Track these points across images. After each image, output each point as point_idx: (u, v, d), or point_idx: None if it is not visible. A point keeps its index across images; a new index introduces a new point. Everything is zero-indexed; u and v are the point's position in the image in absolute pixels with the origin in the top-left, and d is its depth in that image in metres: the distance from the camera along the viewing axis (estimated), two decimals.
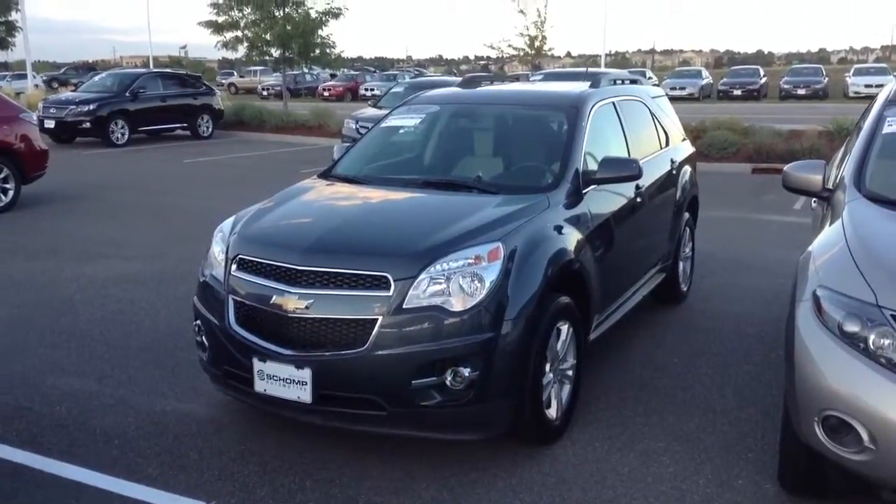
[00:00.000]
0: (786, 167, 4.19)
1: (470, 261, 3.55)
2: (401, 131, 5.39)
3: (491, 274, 3.54)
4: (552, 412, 3.87)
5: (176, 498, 3.40)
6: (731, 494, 3.44)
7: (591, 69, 7.01)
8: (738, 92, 36.46)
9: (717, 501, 3.38)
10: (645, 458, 3.77)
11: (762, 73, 39.89)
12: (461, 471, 3.63)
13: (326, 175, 4.95)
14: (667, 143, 6.01)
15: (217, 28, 22.88)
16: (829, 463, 2.98)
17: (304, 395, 3.47)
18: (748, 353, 5.15)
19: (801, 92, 35.53)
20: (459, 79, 6.87)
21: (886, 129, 4.03)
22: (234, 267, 3.84)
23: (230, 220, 4.25)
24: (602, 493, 3.46)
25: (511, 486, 3.51)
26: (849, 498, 3.32)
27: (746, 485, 3.52)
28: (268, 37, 22.51)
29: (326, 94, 41.70)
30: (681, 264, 6.16)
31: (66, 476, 3.59)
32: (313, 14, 22.54)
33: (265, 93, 43.27)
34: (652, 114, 5.88)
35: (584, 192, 4.38)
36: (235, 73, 56.62)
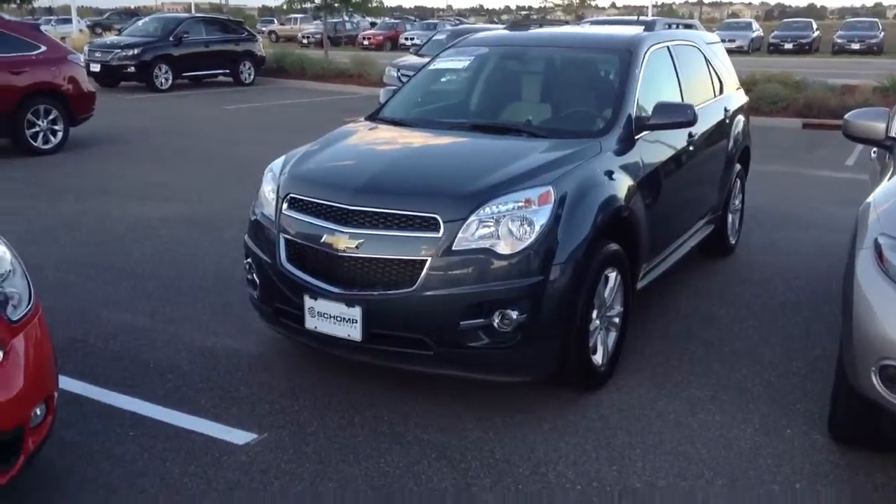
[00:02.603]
0: (847, 115, 4.07)
1: (520, 204, 3.53)
2: (448, 74, 5.32)
3: (541, 218, 3.51)
4: (598, 358, 3.87)
5: (229, 430, 3.48)
6: (779, 443, 3.42)
7: (642, 17, 6.80)
8: (789, 45, 35.30)
9: (766, 450, 3.37)
10: (691, 406, 3.76)
11: (815, 26, 38.56)
12: (507, 413, 3.66)
13: (373, 118, 4.92)
14: (721, 91, 5.86)
15: None
16: (885, 413, 2.94)
17: (355, 332, 3.51)
18: (797, 306, 5.08)
19: (856, 46, 34.27)
20: (502, 26, 6.79)
21: None
22: (285, 206, 3.86)
23: (280, 159, 4.26)
24: (647, 438, 3.46)
25: (556, 429, 3.53)
26: None
27: (795, 435, 3.49)
28: None
29: (366, 42, 41.31)
30: (730, 216, 6.06)
31: (122, 406, 3.70)
32: None
33: (305, 41, 43.06)
34: (707, 60, 5.72)
35: (636, 138, 4.31)
36: (276, 21, 56.40)
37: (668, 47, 5.07)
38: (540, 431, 3.52)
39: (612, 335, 4.03)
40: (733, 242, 6.24)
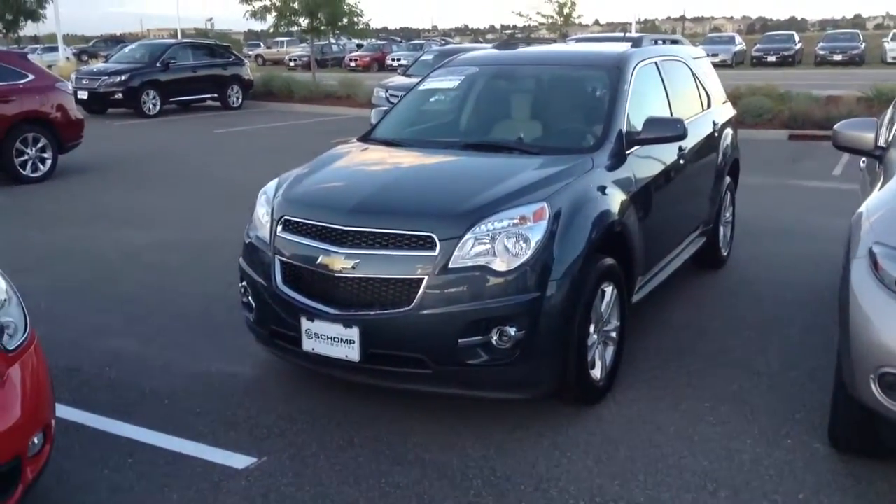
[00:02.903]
0: (836, 125, 4.11)
1: (515, 221, 3.54)
2: (439, 93, 5.35)
3: (536, 234, 3.52)
4: (596, 373, 3.87)
5: (229, 454, 3.45)
6: (780, 454, 3.42)
7: (628, 34, 6.86)
8: (772, 58, 35.71)
9: (767, 461, 3.37)
10: (690, 418, 3.76)
11: (797, 38, 39.02)
12: (507, 430, 3.65)
13: (366, 138, 4.94)
14: (708, 105, 5.91)
15: None
16: (884, 421, 2.95)
17: (352, 353, 3.50)
18: (791, 317, 5.09)
19: (838, 58, 34.74)
20: (489, 45, 6.88)
21: None
22: (279, 228, 3.86)
23: (273, 182, 4.27)
24: (649, 451, 3.46)
25: (557, 445, 3.52)
26: None
27: (795, 445, 3.50)
28: (296, 5, 22.43)
29: (353, 64, 41.55)
30: (721, 229, 6.09)
31: (120, 433, 3.67)
32: None
33: (292, 63, 43.29)
34: (694, 74, 5.77)
35: (627, 153, 4.34)
36: (262, 45, 56.66)
37: (655, 63, 5.12)
38: (540, 447, 3.51)
39: (610, 349, 4.03)
40: (725, 254, 6.27)
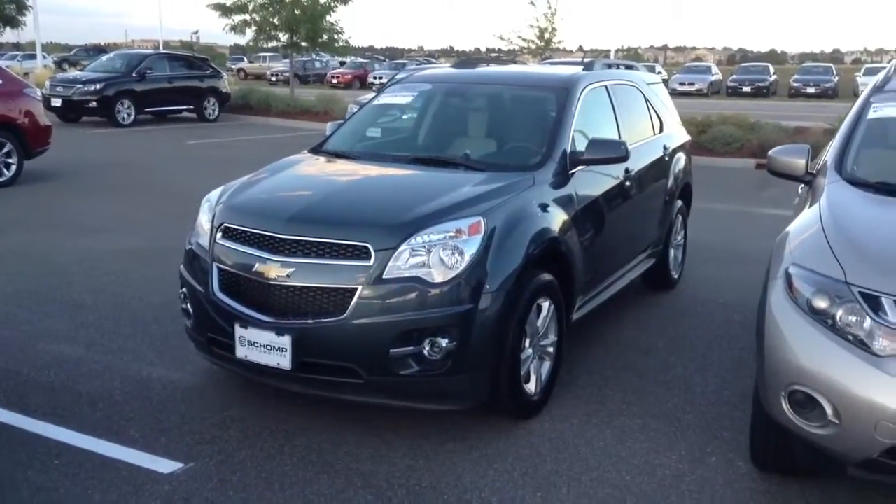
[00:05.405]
0: (770, 151, 4.22)
1: (451, 234, 3.59)
2: (392, 109, 5.42)
3: (471, 247, 3.57)
4: (531, 387, 3.91)
5: (155, 459, 3.45)
6: (702, 470, 3.48)
7: (587, 59, 6.98)
8: (747, 88, 36.33)
9: (689, 477, 3.42)
10: (621, 434, 3.81)
11: (772, 70, 39.75)
12: (438, 441, 3.68)
13: (317, 150, 4.99)
14: (661, 130, 6.02)
15: (225, 11, 22.80)
16: (796, 438, 3.01)
17: (284, 361, 3.52)
18: (733, 339, 5.18)
19: (811, 90, 35.40)
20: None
21: (871, 115, 4.06)
22: (219, 235, 3.89)
23: (218, 189, 4.30)
24: (573, 465, 3.50)
25: (486, 457, 3.56)
26: (817, 475, 3.36)
27: (719, 462, 3.56)
28: (276, 21, 22.48)
29: (335, 81, 41.75)
30: (671, 251, 6.18)
31: (49, 436, 3.66)
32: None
33: (273, 78, 43.37)
34: (646, 99, 5.89)
35: (571, 172, 4.41)
36: (245, 59, 56.69)
37: (605, 86, 5.22)
38: (469, 459, 3.54)
39: (546, 364, 4.08)
40: (676, 277, 6.36)
